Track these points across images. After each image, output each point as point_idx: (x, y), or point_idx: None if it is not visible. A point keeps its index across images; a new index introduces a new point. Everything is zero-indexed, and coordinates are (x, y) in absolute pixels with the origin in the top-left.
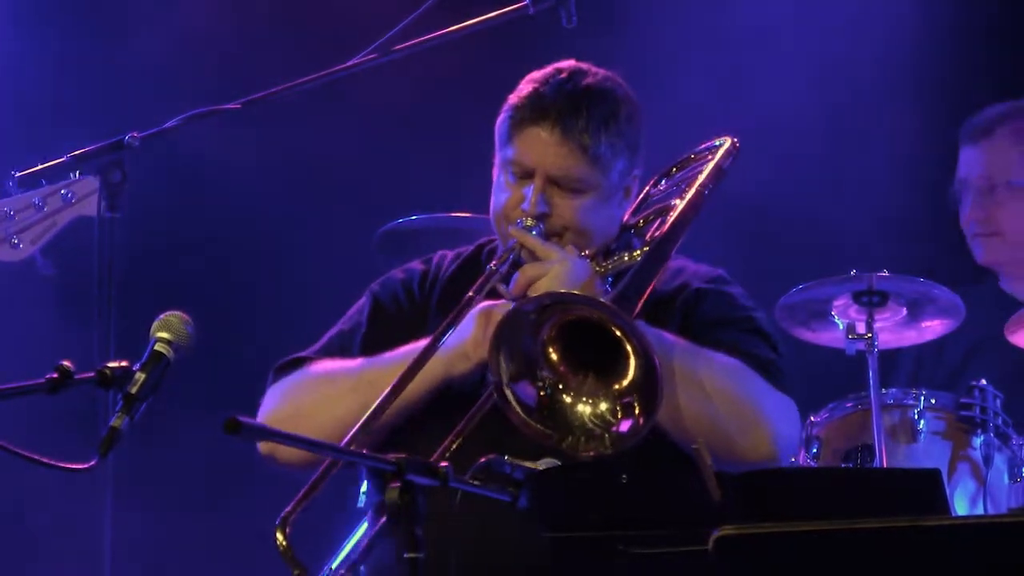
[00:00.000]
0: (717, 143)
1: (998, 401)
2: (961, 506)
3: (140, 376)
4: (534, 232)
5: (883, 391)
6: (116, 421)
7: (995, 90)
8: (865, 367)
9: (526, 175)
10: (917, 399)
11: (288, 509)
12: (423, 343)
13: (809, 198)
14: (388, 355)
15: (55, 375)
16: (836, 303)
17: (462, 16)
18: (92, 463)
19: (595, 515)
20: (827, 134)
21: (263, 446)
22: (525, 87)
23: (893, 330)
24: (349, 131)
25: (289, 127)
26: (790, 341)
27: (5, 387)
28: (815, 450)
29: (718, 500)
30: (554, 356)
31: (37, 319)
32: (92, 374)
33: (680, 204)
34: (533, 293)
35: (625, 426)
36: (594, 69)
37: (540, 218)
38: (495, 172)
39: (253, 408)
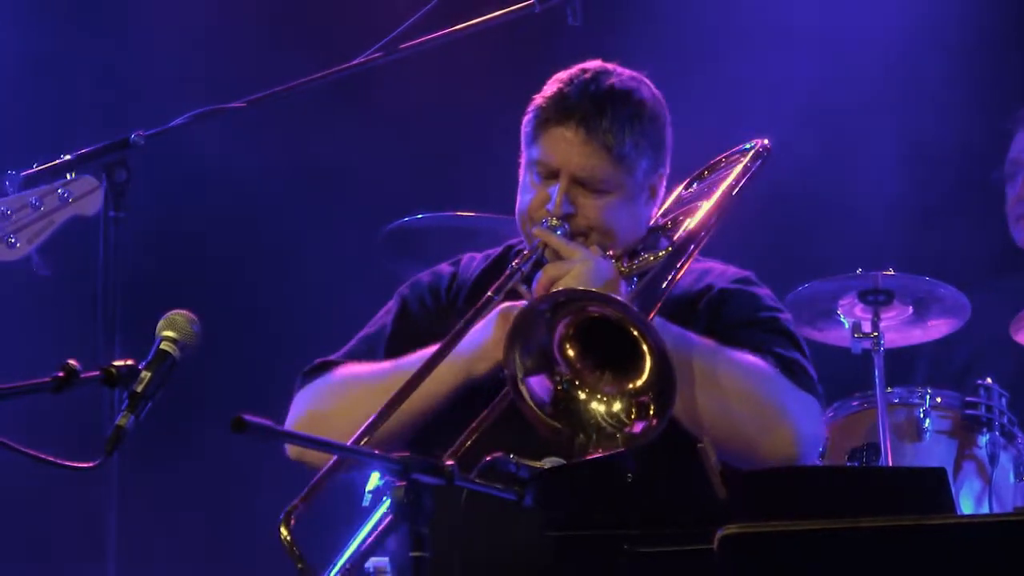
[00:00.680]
0: (747, 146)
1: (1004, 400)
2: (967, 505)
3: (146, 375)
4: (559, 232)
5: (889, 390)
6: (122, 420)
7: (1013, 88)
8: (871, 366)
9: (551, 175)
10: (923, 398)
11: (292, 504)
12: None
13: (815, 196)
14: (412, 357)
15: (61, 374)
16: (842, 302)
17: (468, 15)
18: (98, 462)
19: (600, 514)
20: (832, 133)
21: (291, 450)
22: (550, 87)
23: (899, 329)
24: (356, 129)
25: (295, 125)
26: None
27: (11, 386)
28: (820, 449)
29: (723, 499)
30: (571, 353)
31: (42, 318)
32: (98, 373)
33: (705, 205)
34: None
35: (639, 427)
36: (619, 69)
37: (565, 218)
38: (521, 173)
39: (259, 406)
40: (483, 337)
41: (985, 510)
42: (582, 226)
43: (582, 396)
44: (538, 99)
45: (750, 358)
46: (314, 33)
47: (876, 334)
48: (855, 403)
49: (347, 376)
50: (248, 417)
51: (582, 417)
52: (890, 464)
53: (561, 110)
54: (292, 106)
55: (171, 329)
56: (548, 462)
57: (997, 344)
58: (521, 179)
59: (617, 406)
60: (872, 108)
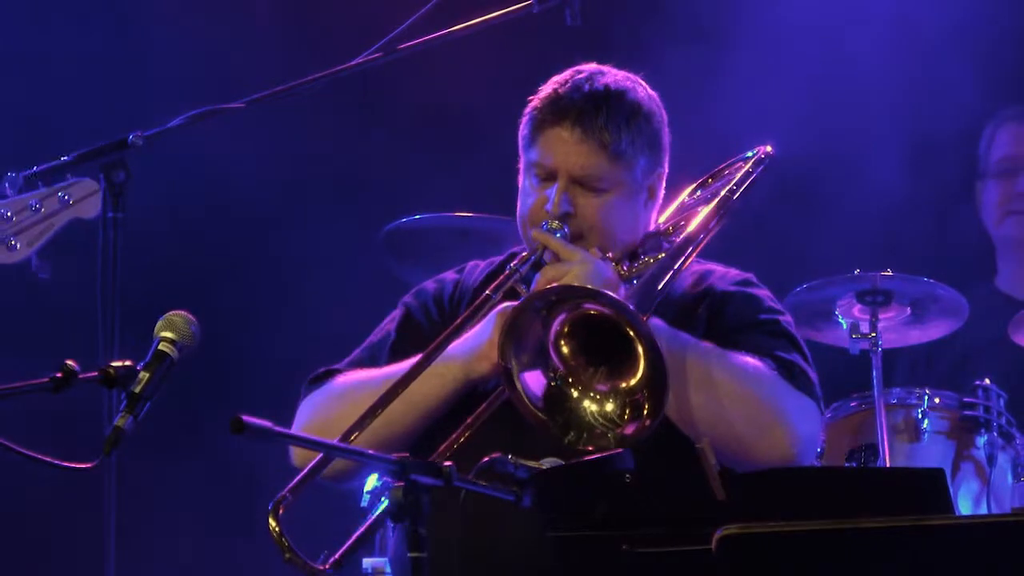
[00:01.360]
0: (750, 153)
1: (1002, 400)
2: (965, 506)
3: (144, 375)
4: (558, 235)
5: (887, 390)
6: (120, 420)
7: (1013, 88)
8: (869, 366)
9: (549, 176)
10: (921, 398)
11: (281, 494)
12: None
13: (813, 197)
14: (413, 360)
15: (60, 374)
16: (840, 302)
17: (467, 15)
18: (95, 462)
19: (598, 514)
20: (831, 134)
21: (297, 458)
22: (545, 89)
23: (897, 329)
24: (355, 129)
25: (295, 126)
26: None
27: (9, 386)
28: (819, 449)
29: (721, 499)
30: (565, 350)
31: (40, 318)
32: (96, 373)
33: (704, 209)
34: None
35: (630, 428)
36: (613, 70)
37: (564, 218)
38: (520, 178)
39: (257, 407)
40: (482, 338)
41: (983, 511)
42: (581, 227)
43: (575, 393)
44: (534, 102)
45: (747, 360)
46: (313, 33)
47: (874, 335)
48: (853, 404)
49: (349, 382)
50: (247, 418)
51: (574, 415)
52: (888, 465)
53: (556, 111)
54: (292, 106)
55: (169, 330)
56: (547, 462)
57: (995, 344)
58: (520, 184)
59: (609, 406)
60: (871, 109)
